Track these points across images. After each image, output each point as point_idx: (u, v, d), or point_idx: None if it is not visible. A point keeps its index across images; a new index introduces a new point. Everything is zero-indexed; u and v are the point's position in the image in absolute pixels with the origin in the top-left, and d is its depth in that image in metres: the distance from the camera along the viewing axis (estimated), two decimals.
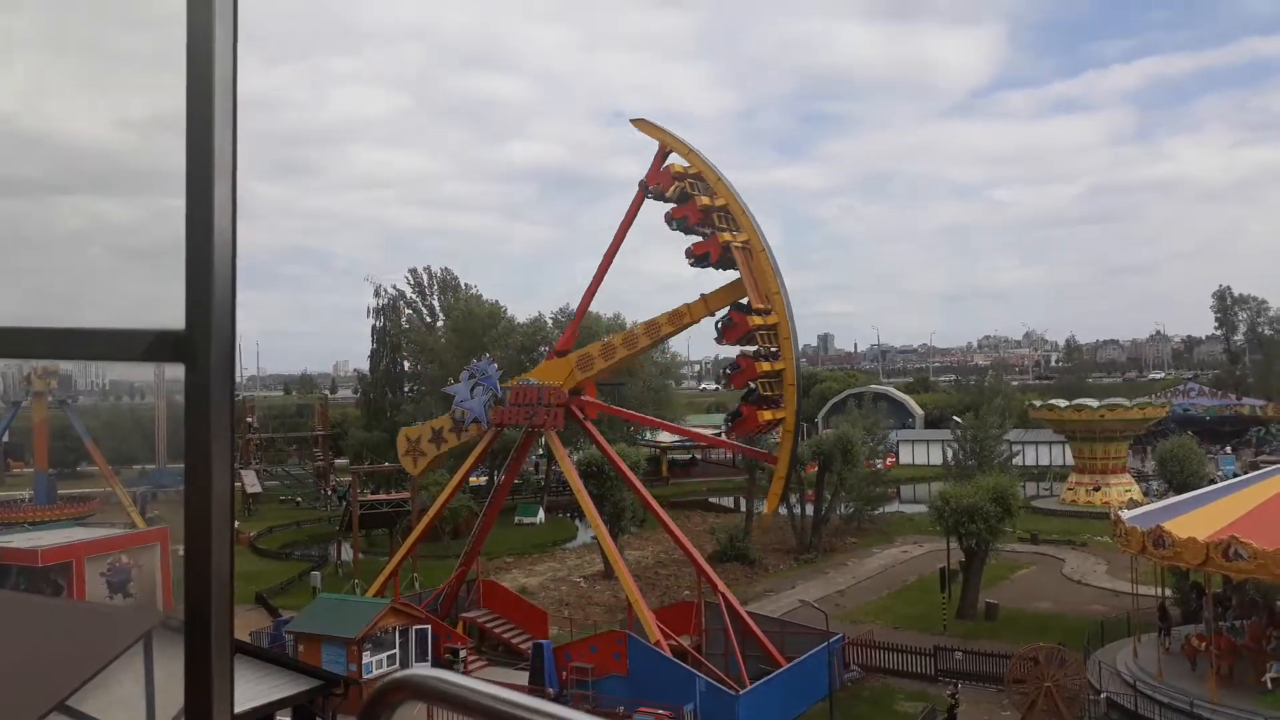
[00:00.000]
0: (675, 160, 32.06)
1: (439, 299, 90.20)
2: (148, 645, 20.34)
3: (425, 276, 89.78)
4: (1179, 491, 40.73)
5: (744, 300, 31.10)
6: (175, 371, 1.63)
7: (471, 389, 33.91)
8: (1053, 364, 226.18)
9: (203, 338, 1.59)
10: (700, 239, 30.93)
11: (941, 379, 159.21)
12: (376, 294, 74.75)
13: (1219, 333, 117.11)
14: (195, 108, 1.58)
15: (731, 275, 31.61)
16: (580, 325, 72.84)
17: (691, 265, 31.28)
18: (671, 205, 31.43)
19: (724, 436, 36.44)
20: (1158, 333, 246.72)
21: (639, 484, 36.81)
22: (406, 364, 77.83)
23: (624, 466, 36.94)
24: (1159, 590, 33.32)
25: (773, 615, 37.27)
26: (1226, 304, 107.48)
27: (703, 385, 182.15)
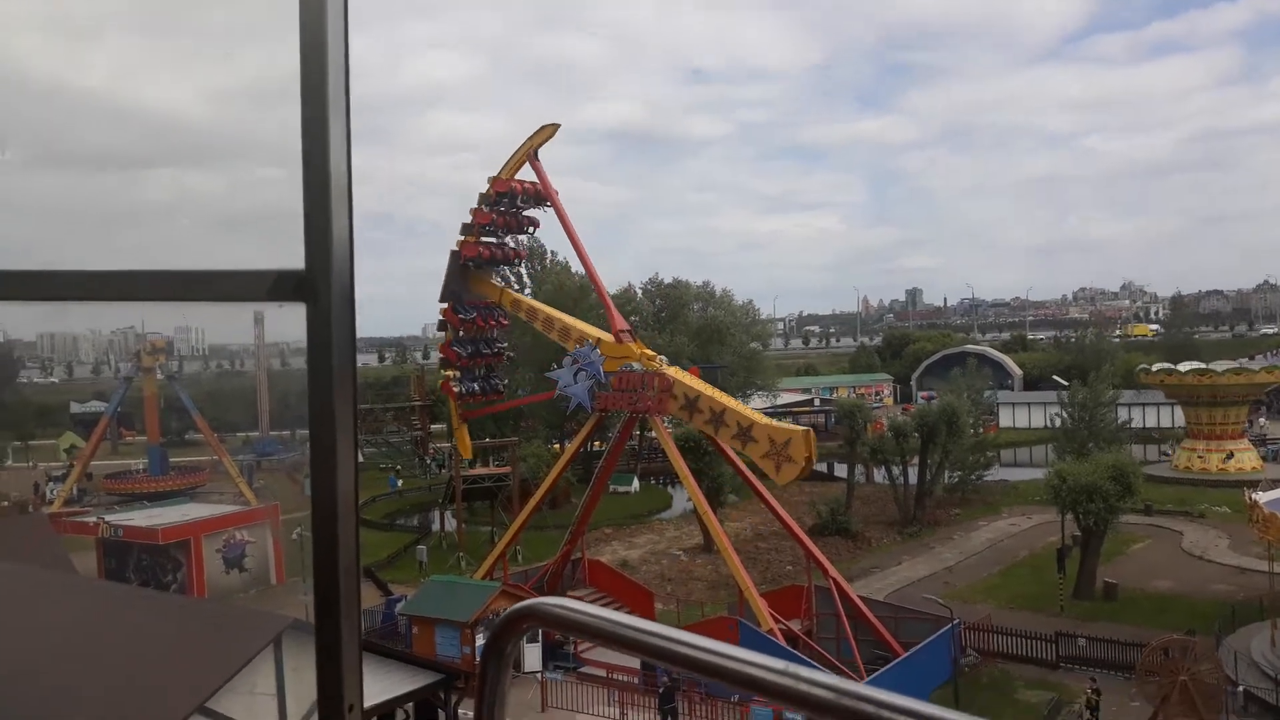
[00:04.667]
0: None
1: (526, 267, 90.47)
2: (278, 645, 20.62)
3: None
4: None
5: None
6: (284, 324, 1.63)
7: (575, 374, 33.66)
8: (1152, 316, 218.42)
9: (323, 275, 1.60)
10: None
11: (1038, 335, 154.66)
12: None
13: None
14: (310, 66, 1.57)
15: None
16: (672, 291, 72.45)
17: None
18: None
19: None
20: (1265, 282, 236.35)
21: (740, 462, 36.27)
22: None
23: (725, 447, 36.49)
24: None
25: (882, 599, 36.61)
26: None
27: (790, 344, 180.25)
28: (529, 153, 37.97)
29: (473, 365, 38.29)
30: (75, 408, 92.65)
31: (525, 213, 39.06)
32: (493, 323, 39.25)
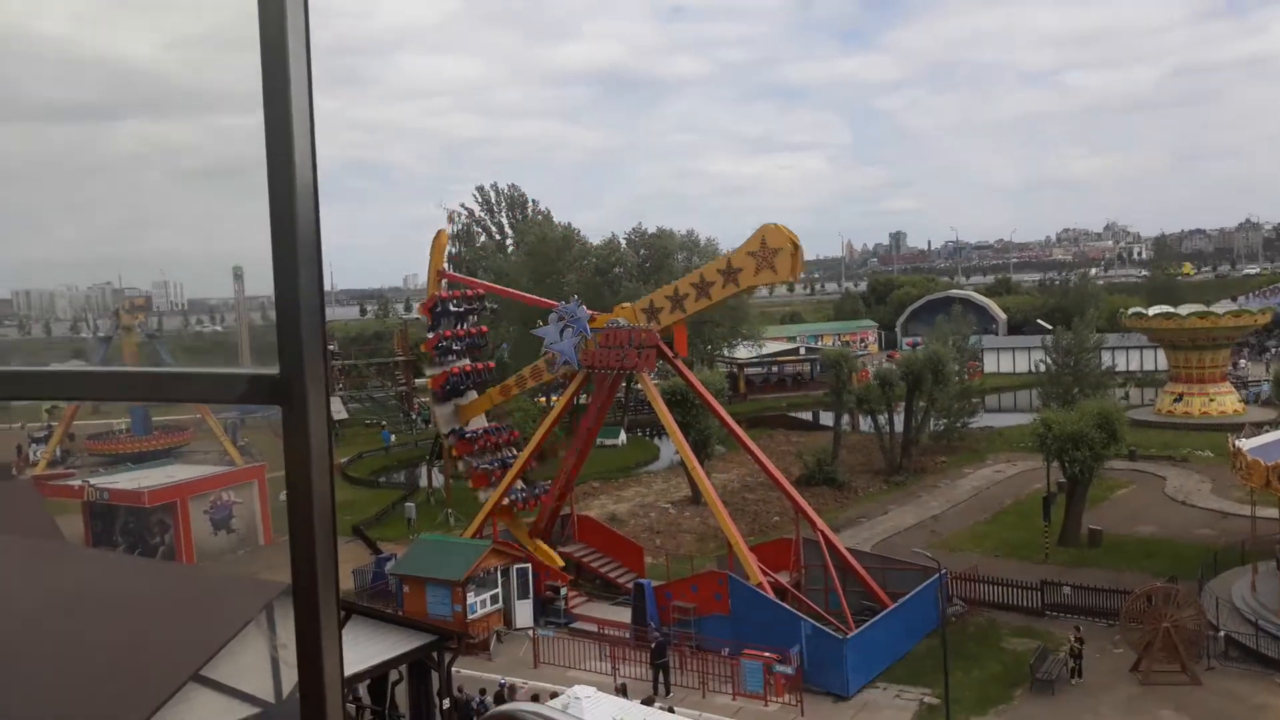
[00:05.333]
0: None
1: (508, 216, 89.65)
2: (269, 611, 20.60)
3: (493, 194, 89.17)
4: None
5: None
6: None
7: (561, 331, 33.40)
8: (1136, 256, 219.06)
9: (297, 379, 1.62)
10: None
11: (1021, 277, 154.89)
12: (450, 220, 74.20)
13: None
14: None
15: None
16: (656, 241, 71.87)
17: None
18: None
19: None
20: (1247, 221, 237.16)
21: (726, 415, 36.28)
22: (481, 278, 77.64)
23: (712, 400, 36.53)
24: None
25: (869, 549, 36.89)
26: None
27: (774, 291, 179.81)
28: (439, 269, 39.05)
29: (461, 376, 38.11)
30: (55, 367, 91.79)
31: (470, 307, 39.26)
32: (474, 331, 39.05)
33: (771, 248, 29.94)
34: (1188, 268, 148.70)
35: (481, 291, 41.12)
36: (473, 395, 38.42)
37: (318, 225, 1.64)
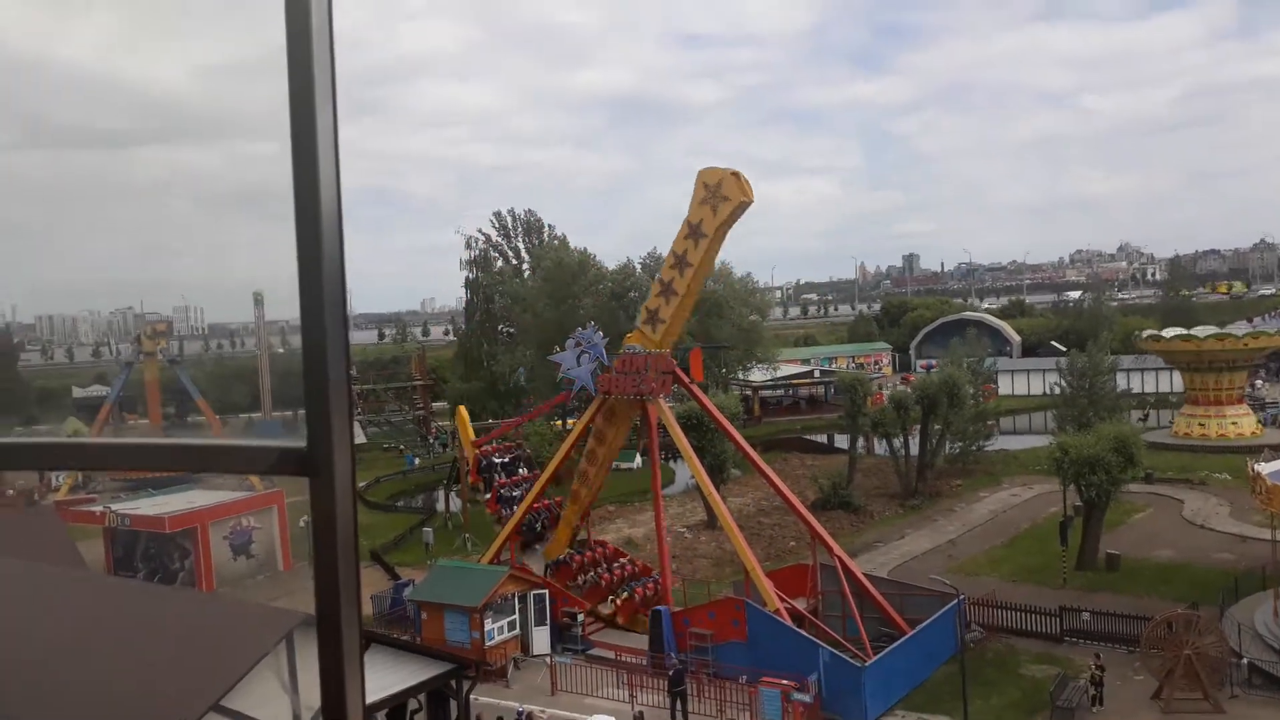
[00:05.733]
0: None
1: (524, 241, 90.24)
2: (290, 641, 20.80)
3: (510, 220, 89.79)
4: None
5: None
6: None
7: (578, 357, 33.67)
8: (1150, 277, 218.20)
9: (324, 452, 1.71)
10: None
11: (1035, 298, 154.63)
12: (468, 245, 74.83)
13: None
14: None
15: None
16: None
17: None
18: None
19: None
20: (1262, 241, 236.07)
21: (742, 440, 36.40)
22: (498, 303, 78.12)
23: (727, 424, 36.72)
24: None
25: (886, 574, 36.85)
26: None
27: (789, 313, 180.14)
28: (470, 440, 40.78)
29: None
30: (78, 392, 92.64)
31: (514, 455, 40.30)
32: (526, 476, 39.49)
33: (713, 184, 30.47)
34: (1239, 285, 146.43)
35: (519, 448, 41.73)
36: (550, 534, 37.72)
37: (344, 297, 1.73)
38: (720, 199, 30.41)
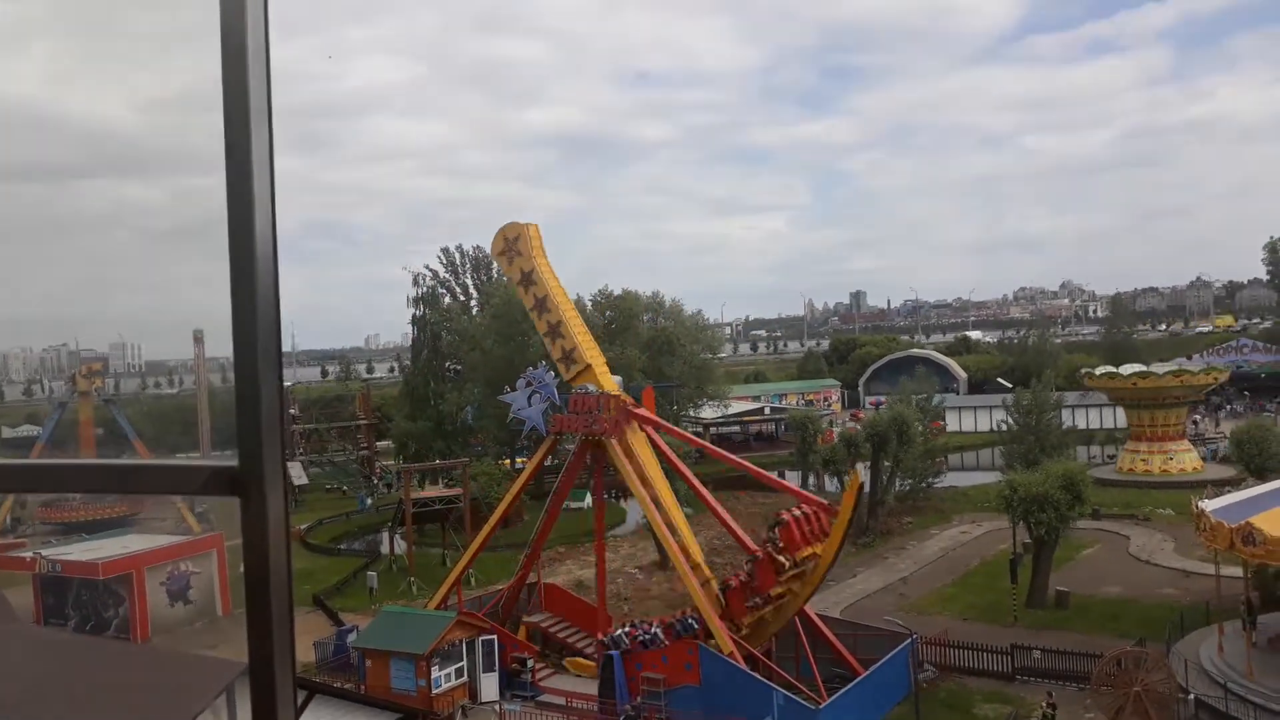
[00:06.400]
0: None
1: (473, 278, 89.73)
2: (230, 695, 19.95)
3: (458, 256, 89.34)
4: (1256, 475, 39.44)
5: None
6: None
7: (529, 397, 33.24)
8: (1091, 314, 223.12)
9: (254, 471, 1.67)
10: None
11: (980, 334, 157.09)
12: (416, 282, 74.10)
13: (1266, 278, 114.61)
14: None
15: None
16: (621, 303, 72.07)
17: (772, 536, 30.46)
18: None
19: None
20: (1198, 279, 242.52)
21: (698, 483, 36.13)
22: (446, 340, 77.29)
23: (680, 464, 36.47)
24: (1246, 586, 32.15)
25: (839, 614, 36.62)
26: (1279, 255, 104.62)
27: (739, 349, 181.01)
28: None
29: None
30: (6, 432, 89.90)
31: None
32: None
33: (512, 238, 33.79)
34: (1229, 319, 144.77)
35: None
36: None
37: (278, 320, 1.68)
38: (515, 253, 33.75)
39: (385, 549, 55.15)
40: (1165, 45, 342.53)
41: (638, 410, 33.24)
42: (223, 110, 1.59)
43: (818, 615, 33.20)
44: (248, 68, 1.59)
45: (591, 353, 33.58)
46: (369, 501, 66.23)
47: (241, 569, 1.66)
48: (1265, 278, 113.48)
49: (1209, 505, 32.06)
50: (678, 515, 34.21)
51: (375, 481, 70.77)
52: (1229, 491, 34.96)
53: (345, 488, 70.85)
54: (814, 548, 29.36)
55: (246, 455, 1.68)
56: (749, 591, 30.44)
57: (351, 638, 34.82)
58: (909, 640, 30.58)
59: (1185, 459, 62.09)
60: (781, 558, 29.29)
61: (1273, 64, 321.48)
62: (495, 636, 33.15)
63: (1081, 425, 78.40)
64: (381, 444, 78.58)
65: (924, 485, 57.68)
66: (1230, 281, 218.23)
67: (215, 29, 1.59)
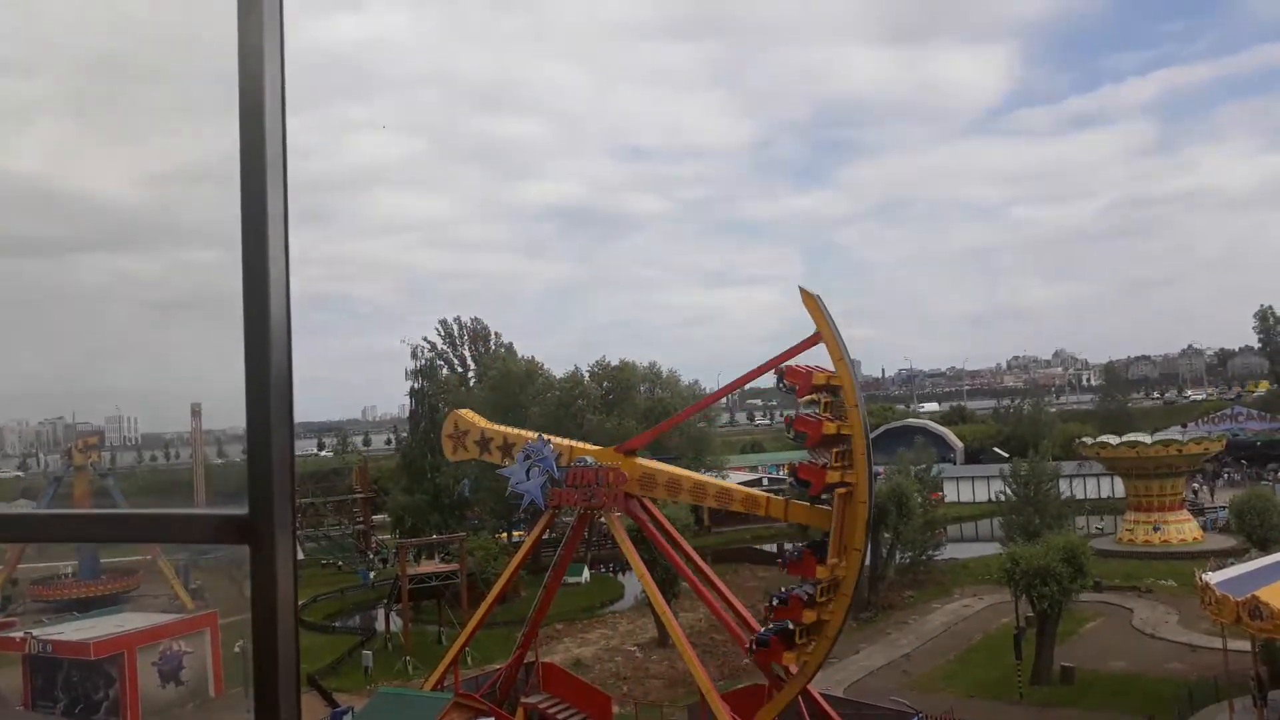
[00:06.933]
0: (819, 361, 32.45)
1: (470, 349, 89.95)
2: None
3: (456, 327, 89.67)
4: (1259, 546, 39.27)
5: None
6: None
7: (527, 470, 33.10)
8: (1085, 383, 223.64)
9: (265, 520, 1.68)
10: (808, 419, 31.18)
11: (975, 404, 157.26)
12: (414, 355, 74.26)
13: (1258, 345, 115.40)
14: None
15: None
16: (619, 374, 72.23)
17: (790, 437, 33.17)
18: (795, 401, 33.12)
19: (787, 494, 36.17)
20: (1190, 346, 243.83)
21: (694, 554, 36.13)
22: (443, 412, 77.12)
23: (679, 536, 36.34)
24: (1254, 660, 31.80)
25: (841, 693, 36.11)
26: (1269, 324, 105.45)
27: (735, 419, 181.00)
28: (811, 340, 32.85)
29: None
30: (1, 508, 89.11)
31: None
32: None
33: (461, 430, 36.00)
34: (1264, 385, 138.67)
35: None
36: None
37: (290, 367, 1.70)
38: (462, 446, 36.07)
39: (381, 626, 54.44)
40: (1149, 118, 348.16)
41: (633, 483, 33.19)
42: (240, 186, 1.63)
43: (821, 695, 32.68)
44: (265, 142, 1.63)
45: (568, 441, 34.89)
46: (370, 576, 65.48)
47: (235, 647, 1.70)
48: (1257, 345, 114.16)
49: (1213, 578, 31.89)
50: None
51: (371, 556, 70.04)
52: (1232, 563, 34.77)
53: (341, 563, 70.07)
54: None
55: (257, 503, 1.69)
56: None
57: (346, 719, 34.19)
58: (914, 718, 30.09)
59: (1185, 529, 61.79)
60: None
61: (1257, 134, 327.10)
62: (493, 718, 32.56)
63: (1080, 495, 78.12)
64: (378, 517, 77.96)
65: (924, 558, 57.28)
66: (1222, 349, 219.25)
67: (221, 104, 1.60)
